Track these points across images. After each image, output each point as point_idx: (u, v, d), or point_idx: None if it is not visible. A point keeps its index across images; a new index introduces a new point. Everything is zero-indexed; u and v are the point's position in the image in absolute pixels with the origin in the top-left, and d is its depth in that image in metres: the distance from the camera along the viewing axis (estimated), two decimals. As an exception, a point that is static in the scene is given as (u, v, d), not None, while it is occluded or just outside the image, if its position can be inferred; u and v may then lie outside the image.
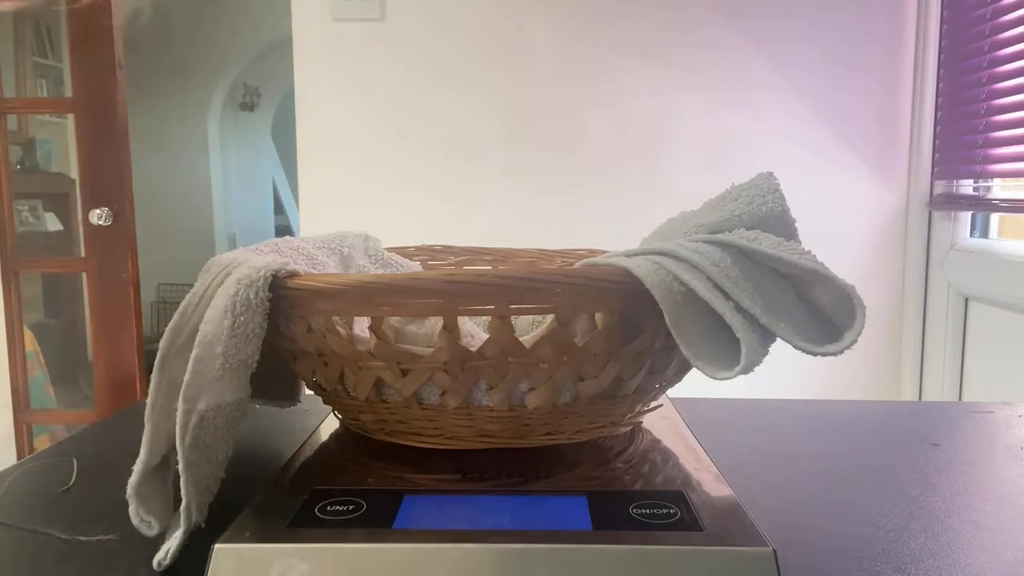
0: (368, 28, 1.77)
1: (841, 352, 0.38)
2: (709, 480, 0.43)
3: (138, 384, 2.06)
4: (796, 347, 0.39)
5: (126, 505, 0.41)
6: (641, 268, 0.39)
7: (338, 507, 0.39)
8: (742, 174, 0.52)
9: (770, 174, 0.51)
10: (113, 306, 2.00)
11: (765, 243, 0.41)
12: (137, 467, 0.40)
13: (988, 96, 1.71)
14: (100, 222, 1.98)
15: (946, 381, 1.84)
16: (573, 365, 0.42)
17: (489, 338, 0.41)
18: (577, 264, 0.42)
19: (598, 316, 0.41)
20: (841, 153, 1.93)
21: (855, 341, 0.38)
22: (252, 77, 4.85)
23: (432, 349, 0.42)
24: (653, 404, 0.51)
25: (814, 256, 0.42)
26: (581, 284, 0.39)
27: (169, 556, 0.38)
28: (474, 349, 0.41)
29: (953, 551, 0.41)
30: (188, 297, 0.42)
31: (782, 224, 0.48)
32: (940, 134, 1.89)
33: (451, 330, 0.40)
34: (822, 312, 0.40)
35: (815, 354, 0.39)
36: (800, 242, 0.48)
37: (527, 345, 0.42)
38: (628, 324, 0.42)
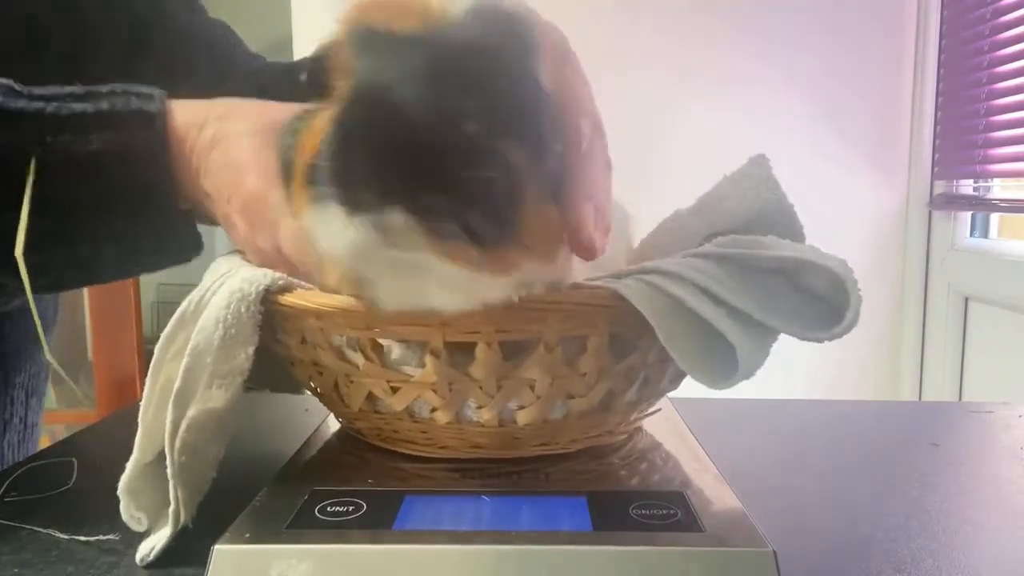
0: (368, 28, 1.77)
1: (846, 331, 0.38)
2: (709, 480, 0.43)
3: (138, 384, 2.06)
4: (802, 338, 0.38)
5: (125, 504, 0.41)
6: (630, 289, 0.39)
7: (338, 508, 0.39)
8: (742, 174, 0.51)
9: (761, 158, 0.49)
10: (113, 306, 2.00)
11: (742, 245, 0.41)
12: (130, 465, 0.40)
13: (988, 96, 1.71)
14: (100, 222, 1.98)
15: (946, 381, 1.84)
16: (563, 386, 0.42)
17: (477, 361, 0.40)
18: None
19: (588, 339, 0.41)
20: (841, 153, 1.93)
21: (857, 316, 0.37)
22: (252, 77, 4.83)
23: (421, 369, 0.41)
24: (650, 411, 0.51)
25: (793, 245, 0.41)
26: (570, 309, 0.39)
27: (154, 554, 0.39)
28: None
29: (953, 551, 0.41)
30: (184, 304, 0.42)
31: (780, 213, 0.47)
32: (940, 134, 1.89)
33: (438, 354, 0.40)
34: (823, 299, 0.40)
35: (821, 340, 0.38)
36: (802, 226, 0.47)
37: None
38: (619, 343, 0.42)
